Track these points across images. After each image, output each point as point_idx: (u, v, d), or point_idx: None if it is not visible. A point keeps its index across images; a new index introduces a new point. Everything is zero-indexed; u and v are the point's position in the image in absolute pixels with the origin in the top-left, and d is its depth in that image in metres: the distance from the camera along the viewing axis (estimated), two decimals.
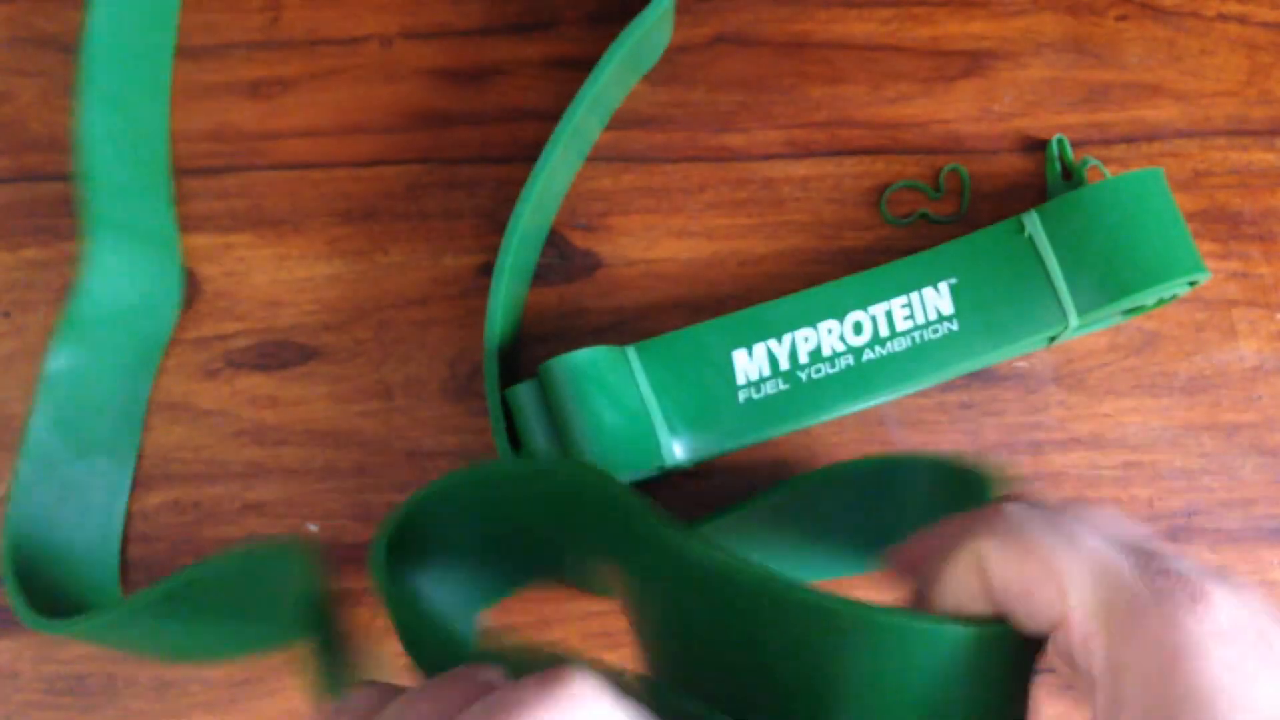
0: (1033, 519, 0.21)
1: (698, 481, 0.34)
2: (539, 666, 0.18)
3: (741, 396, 0.31)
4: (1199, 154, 0.35)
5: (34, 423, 0.32)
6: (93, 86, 0.32)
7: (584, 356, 0.30)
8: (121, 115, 0.33)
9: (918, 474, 0.29)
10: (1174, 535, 0.33)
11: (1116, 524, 0.21)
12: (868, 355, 0.31)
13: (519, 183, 0.35)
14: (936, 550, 0.22)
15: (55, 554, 0.32)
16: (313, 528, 0.34)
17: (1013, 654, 0.21)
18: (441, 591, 0.28)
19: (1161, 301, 0.33)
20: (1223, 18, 0.36)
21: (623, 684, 0.19)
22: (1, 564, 0.31)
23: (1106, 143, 0.35)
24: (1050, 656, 0.21)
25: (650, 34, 0.33)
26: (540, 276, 0.35)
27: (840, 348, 0.31)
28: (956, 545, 0.21)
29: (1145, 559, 0.19)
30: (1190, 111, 0.35)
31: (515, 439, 0.32)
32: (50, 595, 0.30)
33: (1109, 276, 0.31)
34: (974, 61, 0.36)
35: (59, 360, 0.33)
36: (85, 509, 0.32)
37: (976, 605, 0.21)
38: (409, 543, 0.25)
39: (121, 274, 0.33)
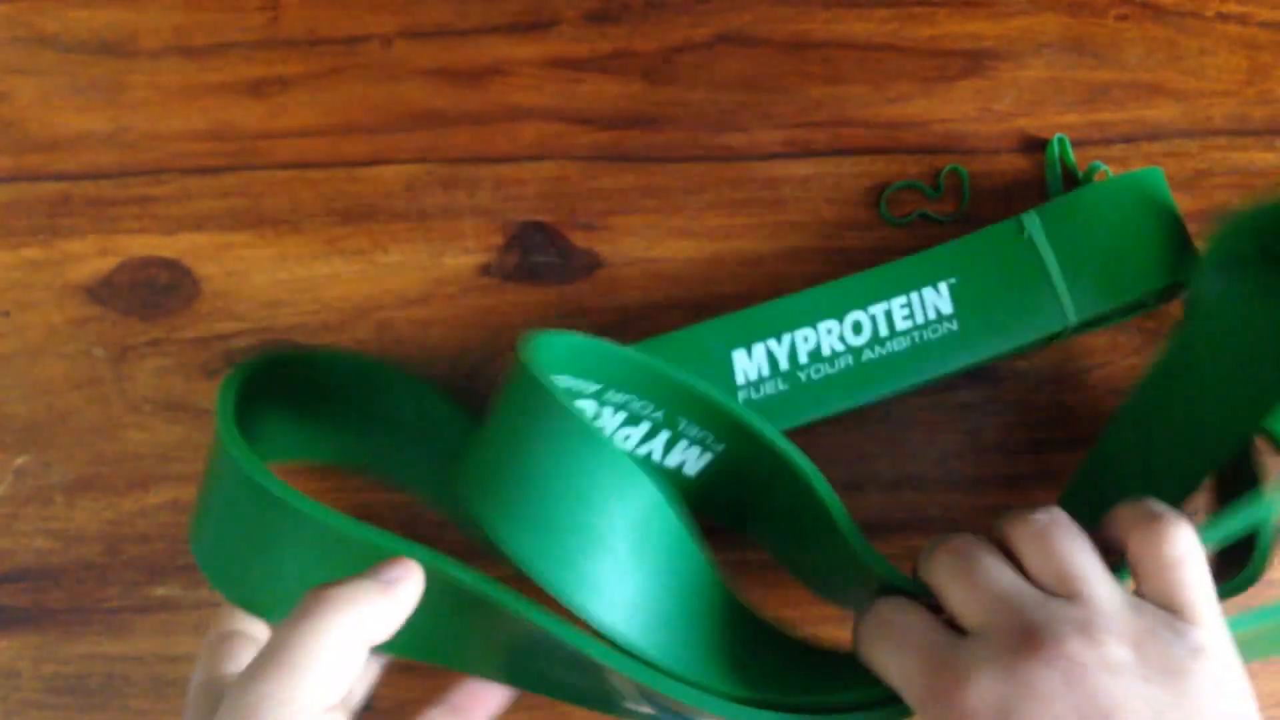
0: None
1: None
2: None
3: (741, 397, 0.31)
4: (1199, 154, 0.35)
5: None
6: None
7: None
8: None
9: None
10: None
11: None
12: (867, 355, 0.31)
13: (519, 182, 0.35)
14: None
15: None
16: None
17: None
18: None
19: (1161, 301, 0.33)
20: (1223, 18, 0.36)
21: None
22: None
23: (1106, 143, 0.35)
24: None
25: None
26: (540, 276, 0.35)
27: (840, 348, 0.31)
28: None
29: None
30: (1190, 111, 0.35)
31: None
32: None
33: (1109, 276, 0.31)
34: (974, 61, 0.36)
35: None
36: None
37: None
38: None
39: None
